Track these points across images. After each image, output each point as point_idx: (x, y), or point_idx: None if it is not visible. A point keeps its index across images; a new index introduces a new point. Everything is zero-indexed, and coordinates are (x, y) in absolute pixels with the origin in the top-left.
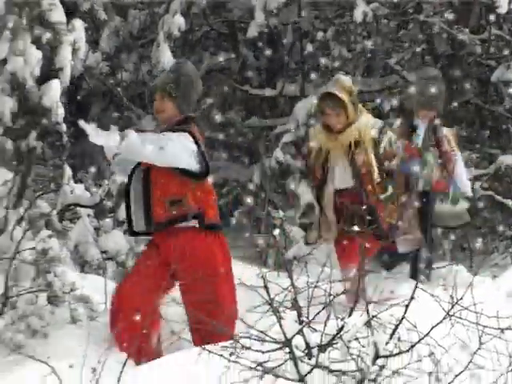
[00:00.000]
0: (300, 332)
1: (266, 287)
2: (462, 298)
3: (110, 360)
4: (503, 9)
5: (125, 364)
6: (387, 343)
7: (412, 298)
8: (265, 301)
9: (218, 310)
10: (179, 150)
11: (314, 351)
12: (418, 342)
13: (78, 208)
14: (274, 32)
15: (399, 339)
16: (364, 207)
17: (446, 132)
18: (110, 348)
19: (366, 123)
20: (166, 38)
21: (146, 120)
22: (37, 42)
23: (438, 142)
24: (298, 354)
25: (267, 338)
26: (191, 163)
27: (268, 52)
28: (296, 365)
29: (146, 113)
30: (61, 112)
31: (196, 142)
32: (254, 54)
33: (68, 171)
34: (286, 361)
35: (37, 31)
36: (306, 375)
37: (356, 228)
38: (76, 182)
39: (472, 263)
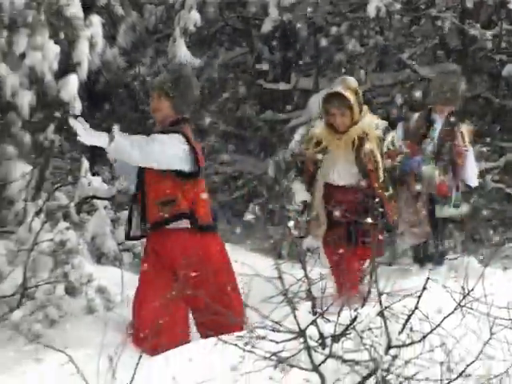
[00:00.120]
0: (314, 322)
1: (280, 278)
2: (473, 289)
3: (126, 349)
4: None
5: (141, 354)
6: (400, 333)
7: (424, 288)
8: (279, 291)
9: (226, 302)
10: (168, 152)
11: (328, 341)
12: (430, 332)
13: (95, 200)
14: (288, 27)
15: (411, 329)
16: (376, 200)
17: (463, 128)
18: (127, 338)
19: (370, 123)
20: (181, 33)
21: None
22: (55, 36)
23: (452, 137)
24: (312, 344)
25: (282, 329)
26: (181, 164)
27: (282, 47)
28: (310, 355)
29: None
30: (78, 105)
31: (188, 142)
32: (268, 48)
33: (85, 164)
34: (300, 351)
35: (55, 26)
36: (319, 365)
37: (369, 220)
38: (93, 174)
39: (483, 255)
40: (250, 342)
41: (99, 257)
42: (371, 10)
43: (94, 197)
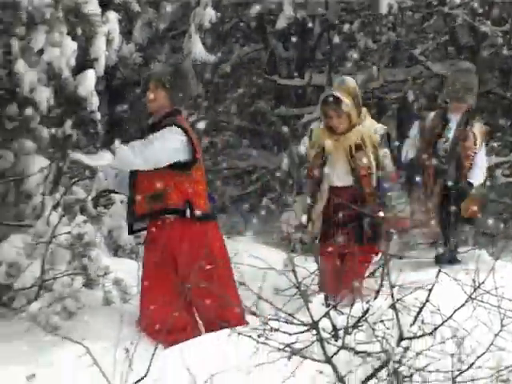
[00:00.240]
0: (327, 314)
1: (293, 271)
2: (483, 282)
3: (142, 341)
4: None
5: (157, 345)
6: (411, 325)
7: (435, 281)
8: (293, 284)
9: (222, 290)
10: (168, 147)
11: (341, 333)
12: (442, 324)
13: (112, 194)
14: (302, 24)
15: (423, 322)
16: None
17: (476, 128)
18: (140, 332)
19: (370, 127)
20: (197, 30)
21: None
22: (72, 33)
23: (464, 136)
24: (325, 335)
25: (295, 321)
26: (179, 155)
27: (296, 43)
28: (323, 346)
29: None
30: (95, 101)
31: (186, 133)
32: (283, 45)
33: None
34: (313, 342)
35: (72, 23)
36: (332, 356)
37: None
38: None
39: (493, 248)
40: (263, 333)
41: (116, 250)
42: (383, 7)
43: (111, 191)
